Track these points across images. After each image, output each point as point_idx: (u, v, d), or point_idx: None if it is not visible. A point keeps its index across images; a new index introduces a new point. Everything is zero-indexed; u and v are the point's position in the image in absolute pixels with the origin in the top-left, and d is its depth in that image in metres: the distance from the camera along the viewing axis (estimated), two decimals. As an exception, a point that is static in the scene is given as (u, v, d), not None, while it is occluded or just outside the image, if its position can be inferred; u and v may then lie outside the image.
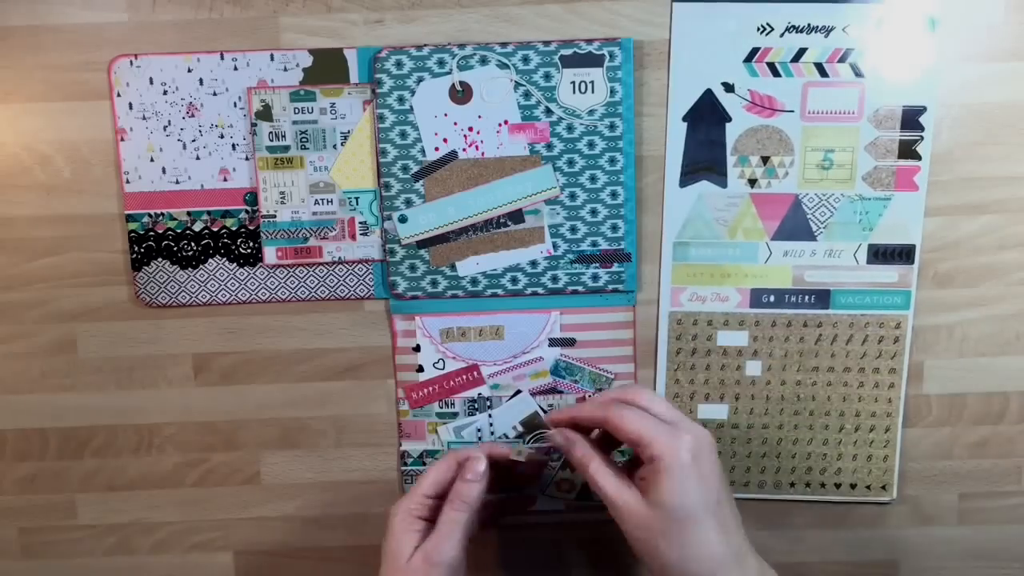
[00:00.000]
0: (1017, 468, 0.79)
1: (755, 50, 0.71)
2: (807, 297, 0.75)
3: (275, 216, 0.74)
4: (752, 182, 0.73)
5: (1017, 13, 0.72)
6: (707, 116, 0.73)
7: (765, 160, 0.73)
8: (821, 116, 0.72)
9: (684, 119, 0.73)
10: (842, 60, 0.72)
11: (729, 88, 0.72)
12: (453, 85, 0.72)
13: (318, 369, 0.77)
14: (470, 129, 0.73)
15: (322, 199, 0.74)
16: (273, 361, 0.77)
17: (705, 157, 0.73)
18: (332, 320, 0.76)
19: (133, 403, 0.78)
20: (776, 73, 0.72)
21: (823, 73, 0.72)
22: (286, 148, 0.73)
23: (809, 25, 0.71)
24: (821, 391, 0.77)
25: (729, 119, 0.72)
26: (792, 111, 0.72)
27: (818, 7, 0.71)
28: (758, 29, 0.71)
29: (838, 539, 0.80)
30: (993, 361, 0.77)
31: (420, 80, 0.72)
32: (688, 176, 0.74)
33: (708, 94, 0.72)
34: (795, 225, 0.74)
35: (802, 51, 0.71)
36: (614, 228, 0.74)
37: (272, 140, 0.73)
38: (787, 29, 0.71)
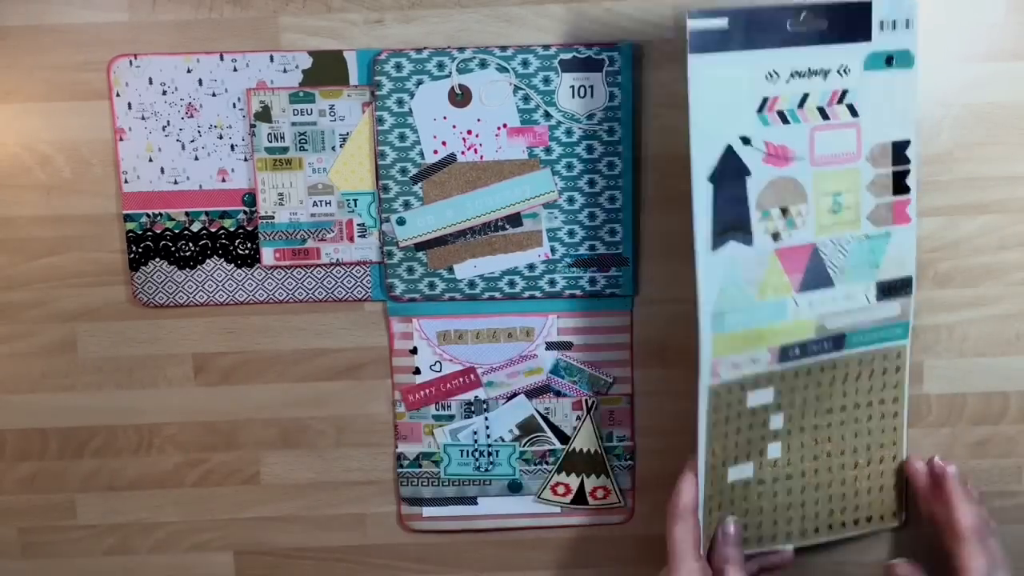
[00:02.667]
0: (1017, 468, 0.79)
1: (765, 100, 0.68)
2: (826, 343, 0.73)
3: (273, 217, 0.74)
4: (775, 236, 0.70)
5: (1017, 13, 0.72)
6: (730, 174, 0.68)
7: (784, 212, 0.70)
8: (828, 160, 0.70)
9: (710, 179, 0.67)
10: (840, 101, 0.69)
11: (747, 141, 0.68)
12: (452, 88, 0.72)
13: (318, 369, 0.78)
14: (469, 132, 0.73)
15: (320, 201, 0.74)
16: (273, 361, 0.77)
17: (731, 216, 0.68)
18: (332, 320, 0.77)
19: (133, 403, 0.78)
20: (785, 120, 0.68)
21: (824, 116, 0.69)
22: (285, 149, 0.73)
23: (809, 69, 0.68)
24: (836, 431, 0.75)
25: (749, 173, 0.68)
26: (803, 158, 0.69)
27: (814, 50, 0.68)
28: (766, 77, 0.67)
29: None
30: (993, 361, 0.77)
31: (419, 83, 0.72)
32: (718, 238, 0.68)
33: (729, 151, 0.67)
34: (816, 274, 0.71)
35: (805, 96, 0.68)
36: (612, 232, 0.74)
37: (271, 141, 0.73)
38: (791, 75, 0.68)
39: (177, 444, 0.79)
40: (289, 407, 0.78)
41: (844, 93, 0.69)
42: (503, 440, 0.78)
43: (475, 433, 0.78)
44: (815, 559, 0.81)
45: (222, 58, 0.73)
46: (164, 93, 0.73)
